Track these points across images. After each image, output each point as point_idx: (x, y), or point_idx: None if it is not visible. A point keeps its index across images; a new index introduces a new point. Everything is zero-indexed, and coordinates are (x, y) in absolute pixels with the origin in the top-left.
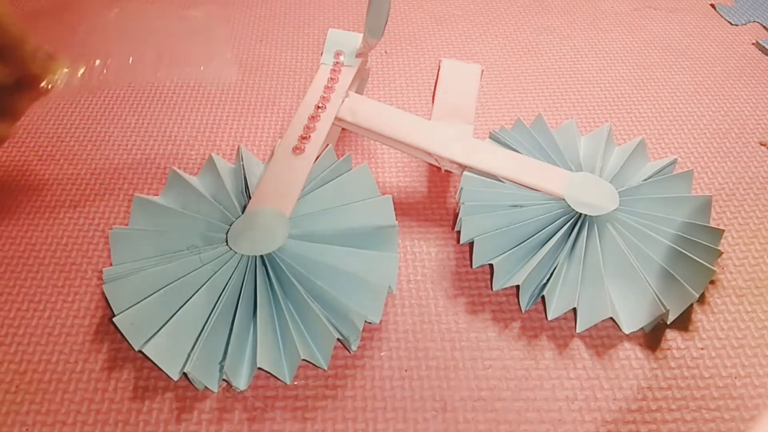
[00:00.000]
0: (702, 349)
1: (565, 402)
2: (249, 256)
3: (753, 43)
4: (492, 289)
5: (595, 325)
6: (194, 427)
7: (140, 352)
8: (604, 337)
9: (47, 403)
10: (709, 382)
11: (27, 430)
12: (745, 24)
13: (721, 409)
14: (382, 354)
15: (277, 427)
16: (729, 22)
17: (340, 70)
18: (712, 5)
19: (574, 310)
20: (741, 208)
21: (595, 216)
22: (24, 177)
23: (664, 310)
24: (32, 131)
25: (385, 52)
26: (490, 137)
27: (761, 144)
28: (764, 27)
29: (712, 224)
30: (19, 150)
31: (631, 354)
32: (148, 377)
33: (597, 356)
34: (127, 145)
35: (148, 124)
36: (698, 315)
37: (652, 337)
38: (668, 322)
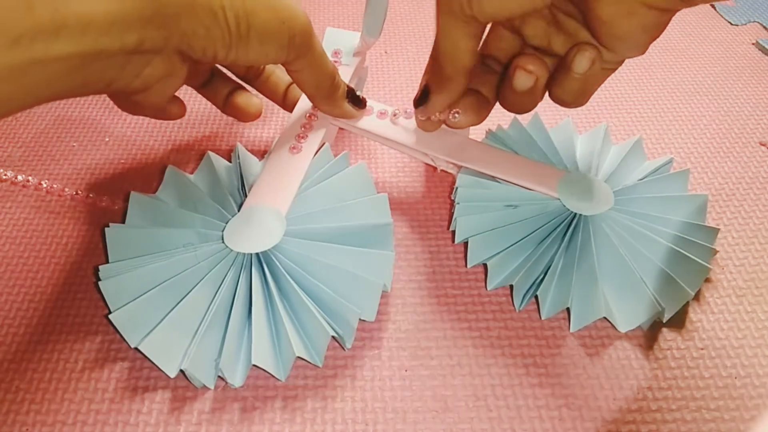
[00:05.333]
0: (702, 349)
1: (564, 402)
2: (245, 254)
3: (753, 43)
4: (486, 289)
5: (595, 325)
6: (194, 427)
7: (137, 349)
8: (604, 337)
9: (47, 403)
10: (709, 382)
11: (27, 430)
12: (745, 24)
13: (721, 409)
14: (373, 353)
15: (277, 427)
16: (729, 22)
17: (338, 69)
18: (712, 5)
19: (570, 309)
20: (741, 208)
21: (590, 215)
22: (24, 177)
23: (660, 309)
24: (32, 130)
25: (385, 52)
26: (486, 137)
27: (761, 144)
28: (764, 27)
29: (712, 224)
30: (18, 149)
31: (630, 354)
32: (148, 377)
33: (597, 356)
34: (126, 145)
35: (147, 122)
36: (698, 315)
37: (651, 337)
38: (664, 321)
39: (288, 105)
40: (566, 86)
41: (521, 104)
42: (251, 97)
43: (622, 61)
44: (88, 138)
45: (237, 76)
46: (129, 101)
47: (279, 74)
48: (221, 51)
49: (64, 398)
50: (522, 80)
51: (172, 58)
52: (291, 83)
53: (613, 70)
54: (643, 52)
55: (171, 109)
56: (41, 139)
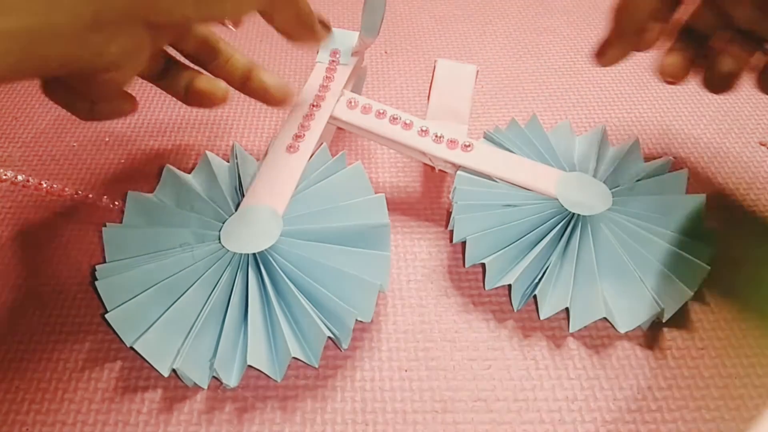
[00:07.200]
0: (702, 349)
1: (565, 402)
2: (241, 254)
3: None
4: (485, 289)
5: (595, 325)
6: (194, 428)
7: (132, 348)
8: (604, 336)
9: (47, 403)
10: (709, 382)
11: (27, 430)
12: None
13: (721, 409)
14: (372, 354)
15: (277, 427)
16: None
17: (336, 68)
18: None
19: (569, 309)
20: (741, 208)
21: (588, 216)
22: (24, 177)
23: (659, 308)
24: (32, 130)
25: (385, 53)
26: (484, 137)
27: (761, 144)
28: None
29: (712, 224)
30: (18, 149)
31: (630, 354)
32: (148, 377)
33: (597, 356)
34: (126, 145)
35: (147, 122)
36: (698, 315)
37: (651, 337)
38: (663, 320)
39: (251, 91)
40: None
41: (722, 84)
42: (216, 80)
43: None
44: (88, 138)
45: (189, 59)
46: (87, 90)
47: (238, 57)
48: (190, 7)
49: (64, 398)
50: (727, 64)
51: (136, 29)
52: (253, 68)
53: None
54: None
55: (122, 106)
56: (41, 139)
